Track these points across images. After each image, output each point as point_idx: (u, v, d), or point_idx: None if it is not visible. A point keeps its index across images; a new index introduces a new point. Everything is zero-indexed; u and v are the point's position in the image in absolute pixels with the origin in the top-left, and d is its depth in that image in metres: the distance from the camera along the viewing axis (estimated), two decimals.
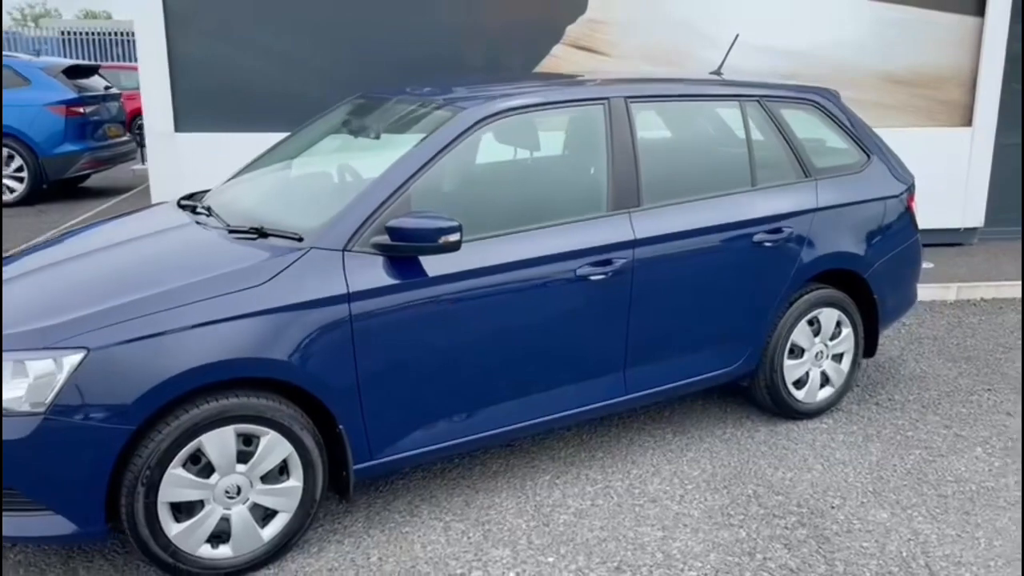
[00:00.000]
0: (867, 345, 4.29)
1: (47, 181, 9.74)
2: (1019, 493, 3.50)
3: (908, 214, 4.27)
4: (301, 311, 2.83)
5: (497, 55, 6.54)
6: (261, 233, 3.06)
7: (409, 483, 3.52)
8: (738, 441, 3.91)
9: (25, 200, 9.63)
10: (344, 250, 2.93)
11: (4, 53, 10.39)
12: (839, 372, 4.16)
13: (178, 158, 6.27)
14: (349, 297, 2.89)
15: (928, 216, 7.05)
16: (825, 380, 4.13)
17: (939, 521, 3.27)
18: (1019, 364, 4.88)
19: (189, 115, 6.31)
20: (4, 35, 21.35)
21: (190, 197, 3.87)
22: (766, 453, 3.80)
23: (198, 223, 3.34)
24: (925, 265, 4.40)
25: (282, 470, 2.90)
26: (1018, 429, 4.07)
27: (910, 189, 4.32)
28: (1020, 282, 6.24)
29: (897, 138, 6.91)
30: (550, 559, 3.02)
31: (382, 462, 3.09)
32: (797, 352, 4.03)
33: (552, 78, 4.07)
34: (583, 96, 3.52)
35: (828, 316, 4.04)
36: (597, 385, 3.51)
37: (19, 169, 9.65)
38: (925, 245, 4.06)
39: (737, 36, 4.56)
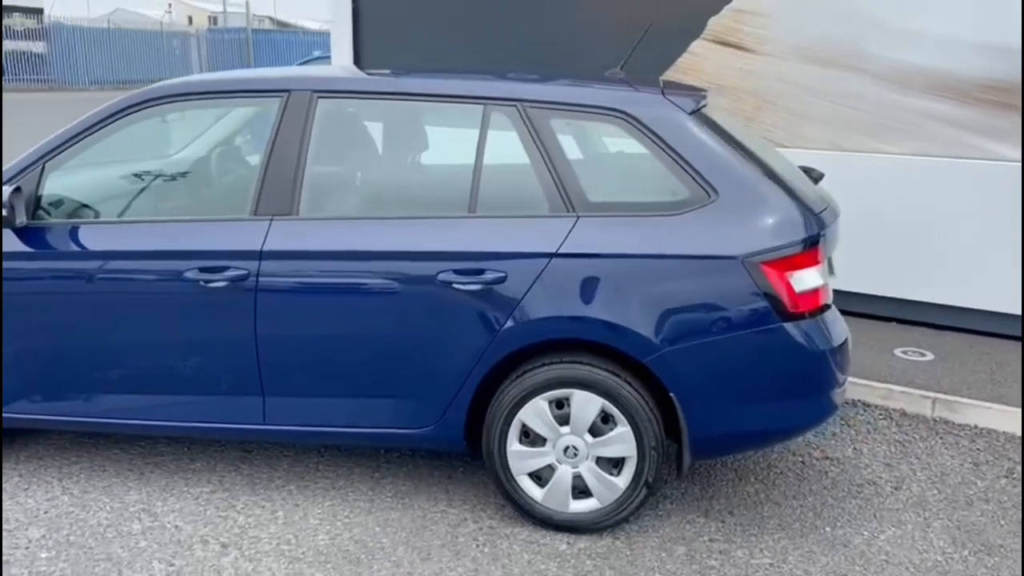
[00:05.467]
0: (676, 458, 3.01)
1: None
2: None
3: (758, 287, 2.81)
4: None
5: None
6: None
7: (145, 458, 3.60)
8: (457, 531, 3.11)
9: None
10: None
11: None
12: (607, 484, 3.00)
13: None
14: None
15: None
16: (586, 489, 3.04)
17: None
18: None
19: None
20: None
21: None
22: (442, 549, 2.99)
23: None
24: None
25: None
26: None
27: (778, 252, 2.82)
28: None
29: None
30: (42, 556, 2.95)
31: None
32: (536, 439, 3.04)
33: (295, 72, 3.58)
34: (262, 87, 3.17)
35: (582, 402, 2.95)
36: (233, 405, 3.19)
37: None
38: None
39: (651, 25, 3.46)
